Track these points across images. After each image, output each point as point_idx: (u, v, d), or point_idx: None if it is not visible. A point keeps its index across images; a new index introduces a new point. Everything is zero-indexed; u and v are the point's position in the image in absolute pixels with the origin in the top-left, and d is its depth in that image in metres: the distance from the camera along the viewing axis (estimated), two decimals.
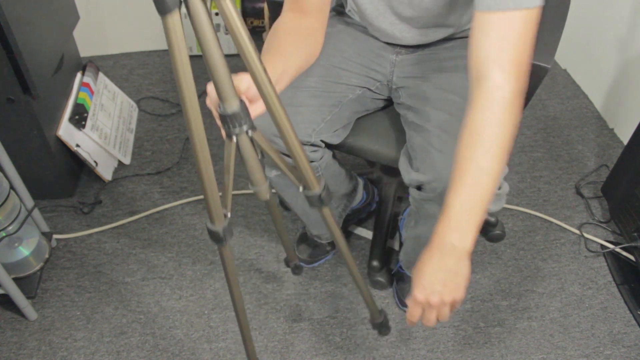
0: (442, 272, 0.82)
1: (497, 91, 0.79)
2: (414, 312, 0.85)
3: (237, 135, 0.76)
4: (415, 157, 1.00)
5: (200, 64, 2.16)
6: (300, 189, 0.88)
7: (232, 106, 0.71)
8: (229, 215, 0.82)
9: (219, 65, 0.66)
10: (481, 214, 0.81)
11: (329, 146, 1.14)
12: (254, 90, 0.77)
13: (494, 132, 0.79)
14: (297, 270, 1.32)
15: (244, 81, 0.77)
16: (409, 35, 1.09)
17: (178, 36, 0.59)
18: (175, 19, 0.58)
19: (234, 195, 1.67)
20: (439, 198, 0.96)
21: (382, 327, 1.19)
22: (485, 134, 0.79)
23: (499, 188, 0.94)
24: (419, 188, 1.01)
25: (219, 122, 0.75)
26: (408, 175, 1.01)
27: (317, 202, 0.88)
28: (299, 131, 1.02)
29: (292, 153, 0.80)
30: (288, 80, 0.92)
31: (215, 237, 0.83)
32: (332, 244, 1.49)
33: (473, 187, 0.80)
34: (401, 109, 1.12)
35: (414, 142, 1.01)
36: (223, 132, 0.76)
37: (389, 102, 1.22)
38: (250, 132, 0.76)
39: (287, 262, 1.32)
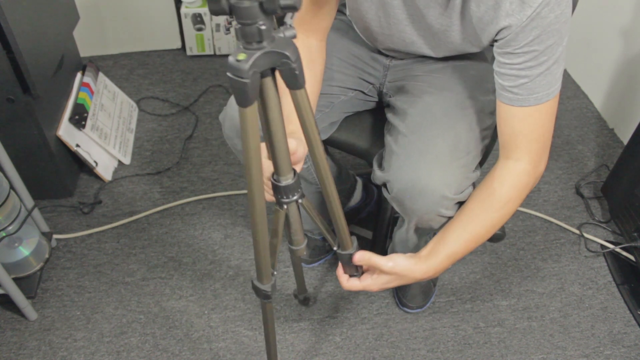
0: (400, 282, 0.93)
1: (525, 177, 0.90)
2: (353, 289, 0.95)
3: (288, 204, 0.85)
4: (383, 156, 1.03)
5: (200, 64, 2.16)
6: (335, 247, 0.99)
7: (288, 179, 0.80)
8: (275, 273, 0.91)
9: (282, 146, 0.75)
10: (452, 263, 0.93)
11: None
12: (299, 154, 0.83)
13: (510, 210, 0.91)
14: (306, 302, 1.31)
15: (291, 144, 0.80)
16: (406, 51, 1.09)
17: (253, 126, 0.67)
18: (253, 110, 0.66)
19: (234, 195, 1.67)
20: (394, 200, 1.00)
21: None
22: (503, 210, 0.90)
23: (461, 192, 0.98)
24: (385, 187, 1.03)
25: (268, 192, 0.83)
26: (373, 173, 1.05)
27: (347, 260, 0.99)
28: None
29: (334, 216, 0.89)
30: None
31: (263, 295, 0.91)
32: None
33: (466, 243, 0.91)
34: (388, 111, 1.13)
35: (387, 142, 1.04)
36: (268, 196, 0.84)
37: (380, 104, 1.23)
38: (300, 200, 0.85)
39: (295, 295, 1.33)
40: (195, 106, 1.97)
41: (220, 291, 1.42)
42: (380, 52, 1.16)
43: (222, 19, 2.10)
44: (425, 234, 1.19)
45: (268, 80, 0.68)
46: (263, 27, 0.62)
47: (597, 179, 1.72)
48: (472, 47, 0.97)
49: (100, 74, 1.88)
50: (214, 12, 0.61)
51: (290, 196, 0.83)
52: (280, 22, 0.68)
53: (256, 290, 0.91)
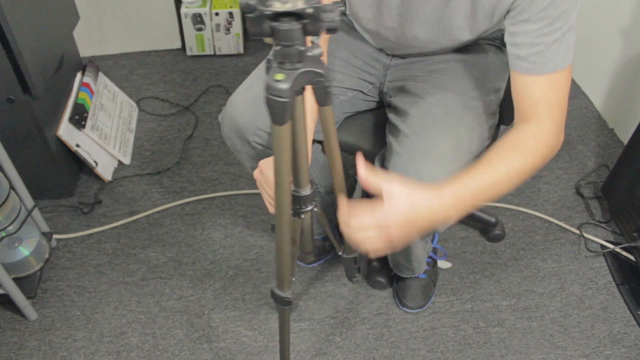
0: (410, 225, 0.77)
1: (549, 136, 0.88)
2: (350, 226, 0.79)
3: (304, 213, 0.91)
4: (386, 156, 1.02)
5: (200, 64, 2.16)
6: (340, 252, 1.03)
7: (307, 190, 0.86)
8: (294, 280, 0.96)
9: (304, 160, 0.80)
10: (476, 207, 0.84)
11: (317, 141, 1.16)
12: None
13: (533, 161, 0.85)
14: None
15: None
16: (408, 51, 1.09)
17: (287, 144, 0.70)
18: (287, 128, 0.69)
19: (234, 195, 1.67)
20: None
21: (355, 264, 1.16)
22: (527, 156, 0.85)
23: None
24: None
25: (268, 201, 0.86)
26: None
27: (351, 264, 1.05)
28: None
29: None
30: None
31: (284, 302, 0.93)
32: (331, 244, 1.49)
33: (491, 181, 0.82)
34: (389, 111, 1.13)
35: (388, 142, 1.04)
36: (270, 208, 0.89)
37: (380, 104, 1.23)
38: (315, 209, 0.90)
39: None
40: (195, 106, 1.97)
41: (220, 291, 1.42)
42: (380, 51, 1.16)
43: (222, 19, 2.10)
44: (427, 236, 1.19)
45: (299, 98, 0.70)
46: (302, 48, 0.63)
47: (597, 179, 1.72)
48: (470, 33, 0.97)
49: (100, 74, 1.88)
50: (254, 35, 0.62)
51: (309, 205, 0.88)
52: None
53: (276, 298, 0.92)
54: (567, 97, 0.89)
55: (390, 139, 1.04)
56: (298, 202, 0.87)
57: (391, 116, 1.09)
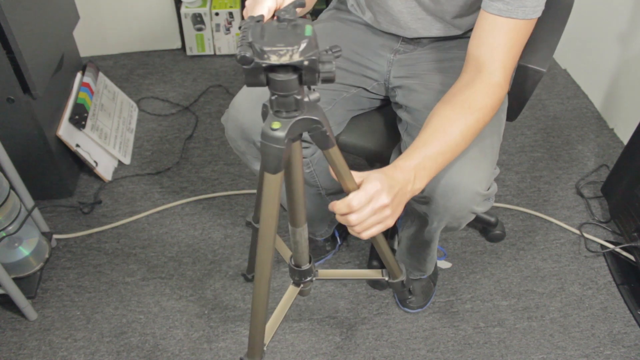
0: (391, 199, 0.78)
1: (499, 89, 0.90)
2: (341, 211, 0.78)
3: (303, 283, 0.96)
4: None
5: (200, 64, 2.16)
6: (387, 278, 1.07)
7: (307, 265, 0.94)
8: (265, 347, 0.96)
9: (300, 204, 0.82)
10: (436, 172, 0.85)
11: None
12: None
13: (483, 116, 0.87)
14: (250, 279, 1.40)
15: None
16: (413, 26, 1.09)
17: (276, 193, 0.70)
18: (280, 176, 0.69)
19: (234, 195, 1.67)
20: (423, 199, 0.98)
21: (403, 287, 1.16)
22: (479, 114, 0.86)
23: (488, 188, 0.96)
24: None
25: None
26: None
27: (400, 288, 1.10)
28: None
29: (382, 252, 1.00)
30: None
31: None
32: (331, 244, 1.49)
33: (447, 146, 0.84)
34: (396, 108, 1.12)
35: (406, 141, 1.03)
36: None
37: (386, 102, 1.22)
38: (314, 279, 0.97)
39: (245, 275, 1.43)
40: (195, 106, 1.97)
41: (220, 291, 1.42)
42: (382, 48, 1.15)
43: (222, 19, 2.10)
44: (448, 231, 1.17)
45: (296, 145, 0.72)
46: (299, 97, 0.64)
47: (597, 179, 1.72)
48: None
49: (100, 74, 1.88)
50: (251, 85, 0.62)
51: (308, 278, 0.95)
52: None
53: None
54: (521, 50, 0.91)
55: (407, 138, 1.03)
56: (296, 274, 0.93)
57: (404, 115, 1.08)
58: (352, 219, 0.76)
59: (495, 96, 0.89)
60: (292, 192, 0.77)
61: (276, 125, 0.65)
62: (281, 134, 0.64)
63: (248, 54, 0.59)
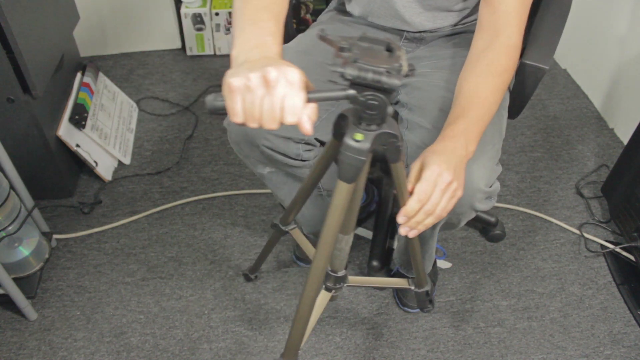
0: (448, 170, 0.80)
1: (516, 51, 0.94)
2: (414, 207, 0.80)
3: (335, 289, 0.97)
4: (408, 154, 1.01)
5: (200, 64, 2.16)
6: (412, 287, 1.10)
7: (342, 272, 0.95)
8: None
9: (355, 210, 0.85)
10: (479, 136, 0.88)
11: (323, 144, 1.15)
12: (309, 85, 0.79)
13: (507, 78, 0.92)
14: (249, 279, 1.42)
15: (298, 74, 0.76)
16: (417, 19, 1.08)
17: (345, 201, 0.72)
18: (351, 187, 0.71)
19: (234, 195, 1.67)
20: None
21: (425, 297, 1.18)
22: (505, 76, 0.91)
23: (490, 186, 0.96)
24: None
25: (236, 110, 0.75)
26: None
27: (423, 297, 1.12)
28: (294, 130, 1.03)
29: (416, 262, 1.04)
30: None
31: None
32: None
33: (484, 110, 0.88)
34: (398, 107, 1.12)
35: (408, 139, 1.03)
36: (234, 118, 0.75)
37: None
38: (345, 285, 0.98)
39: (246, 274, 1.43)
40: (195, 106, 1.97)
41: (220, 291, 1.42)
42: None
43: (222, 19, 2.10)
44: (447, 228, 1.17)
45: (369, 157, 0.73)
46: (387, 111, 0.66)
47: (597, 179, 1.72)
48: None
49: (100, 74, 1.88)
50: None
51: (342, 284, 0.96)
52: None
53: None
54: (528, 12, 0.96)
55: (409, 136, 1.03)
56: (331, 279, 0.94)
57: (405, 112, 1.08)
58: (427, 208, 0.79)
59: (515, 57, 0.93)
60: (353, 200, 0.80)
61: (359, 136, 0.66)
62: (365, 145, 0.66)
63: (366, 75, 0.62)
